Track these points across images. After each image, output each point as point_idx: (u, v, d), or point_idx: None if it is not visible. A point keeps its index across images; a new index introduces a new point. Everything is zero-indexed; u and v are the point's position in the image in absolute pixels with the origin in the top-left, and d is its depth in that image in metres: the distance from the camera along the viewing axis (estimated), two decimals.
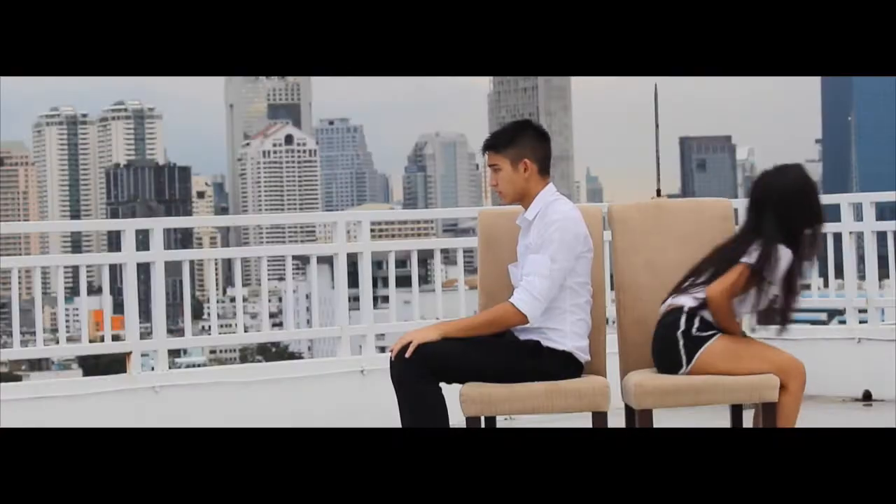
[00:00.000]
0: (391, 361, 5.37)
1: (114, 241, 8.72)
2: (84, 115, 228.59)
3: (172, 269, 8.64)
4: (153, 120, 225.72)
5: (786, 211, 5.43)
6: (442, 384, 5.36)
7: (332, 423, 7.94)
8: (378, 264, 10.24)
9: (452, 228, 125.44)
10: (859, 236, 9.38)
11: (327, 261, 9.25)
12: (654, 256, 5.74)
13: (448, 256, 10.15)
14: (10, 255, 8.30)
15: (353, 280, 8.92)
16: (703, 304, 5.44)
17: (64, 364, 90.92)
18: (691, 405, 5.43)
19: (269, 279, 9.64)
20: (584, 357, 5.50)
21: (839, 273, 9.53)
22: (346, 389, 8.60)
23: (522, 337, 5.43)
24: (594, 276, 5.55)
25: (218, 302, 9.25)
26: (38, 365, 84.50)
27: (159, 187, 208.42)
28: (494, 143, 5.51)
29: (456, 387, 5.37)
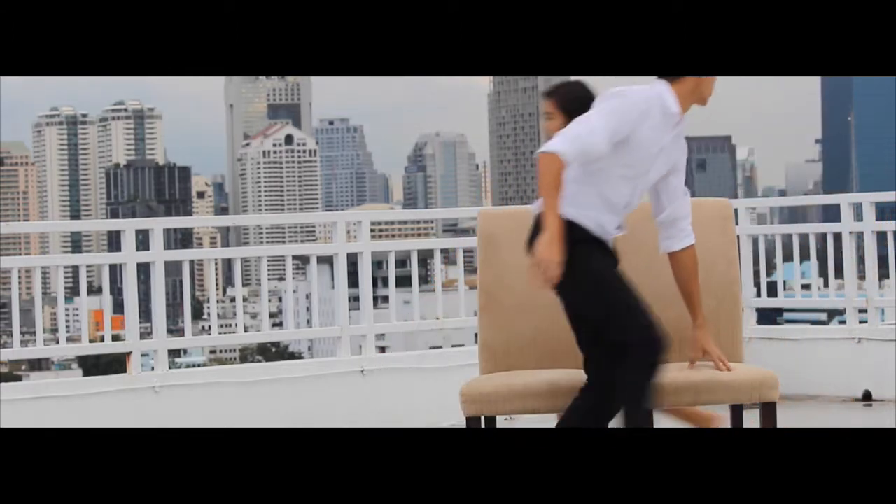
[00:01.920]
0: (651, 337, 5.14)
1: (114, 241, 8.72)
2: (84, 115, 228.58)
3: (172, 269, 8.64)
4: (153, 120, 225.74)
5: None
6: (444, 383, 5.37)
7: (332, 423, 7.94)
8: (378, 264, 10.23)
9: (452, 228, 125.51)
10: (859, 236, 9.38)
11: (327, 261, 9.25)
12: (653, 256, 5.73)
13: (448, 256, 10.15)
14: (10, 255, 8.30)
15: (353, 280, 8.92)
16: None
17: (64, 364, 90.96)
18: (691, 405, 5.42)
19: (269, 279, 9.66)
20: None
21: (839, 273, 9.53)
22: (346, 389, 8.60)
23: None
24: None
25: (218, 302, 9.26)
26: (38, 365, 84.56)
27: (159, 187, 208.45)
28: None
29: (455, 387, 5.37)
